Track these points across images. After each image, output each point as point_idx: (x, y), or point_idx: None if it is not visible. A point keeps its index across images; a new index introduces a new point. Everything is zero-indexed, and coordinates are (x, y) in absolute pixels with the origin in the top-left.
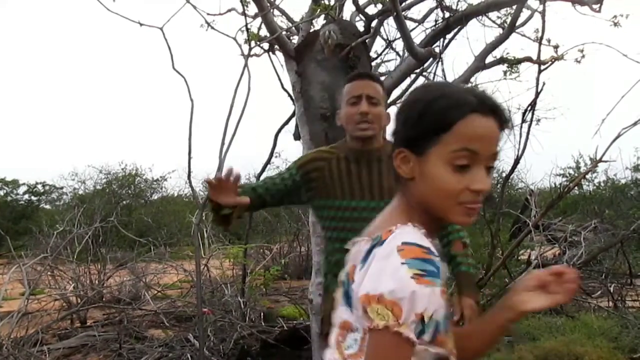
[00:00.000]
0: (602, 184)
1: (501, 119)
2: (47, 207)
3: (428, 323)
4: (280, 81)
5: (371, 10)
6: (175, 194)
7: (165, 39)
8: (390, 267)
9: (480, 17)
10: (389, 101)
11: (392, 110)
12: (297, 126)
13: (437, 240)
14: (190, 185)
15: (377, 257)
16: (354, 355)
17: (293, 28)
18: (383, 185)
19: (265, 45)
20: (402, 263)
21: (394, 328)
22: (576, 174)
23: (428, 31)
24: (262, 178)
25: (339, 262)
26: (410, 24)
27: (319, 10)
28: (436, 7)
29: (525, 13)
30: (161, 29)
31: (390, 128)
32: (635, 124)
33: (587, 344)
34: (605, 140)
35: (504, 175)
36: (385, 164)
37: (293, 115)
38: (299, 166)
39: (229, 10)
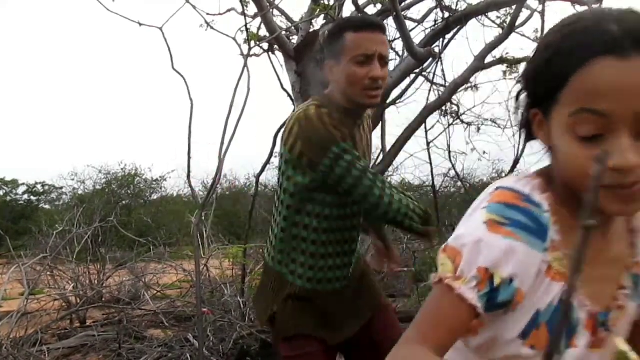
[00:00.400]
0: None
1: None
2: (47, 207)
3: (501, 287)
4: (280, 81)
5: (371, 10)
6: (175, 194)
7: (165, 39)
8: (473, 215)
9: (479, 17)
10: (388, 101)
11: (391, 110)
12: None
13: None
14: (190, 186)
15: (470, 209)
16: None
17: (293, 28)
18: (369, 144)
19: (265, 45)
20: (483, 207)
21: (446, 280)
22: None
23: (428, 31)
24: (260, 177)
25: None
26: (409, 24)
27: (318, 10)
28: (436, 7)
29: (524, 13)
30: (161, 29)
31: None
32: None
33: None
34: None
35: (503, 175)
36: (367, 120)
37: None
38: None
39: (229, 10)
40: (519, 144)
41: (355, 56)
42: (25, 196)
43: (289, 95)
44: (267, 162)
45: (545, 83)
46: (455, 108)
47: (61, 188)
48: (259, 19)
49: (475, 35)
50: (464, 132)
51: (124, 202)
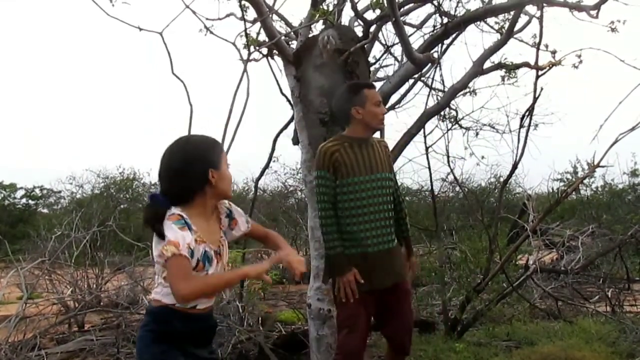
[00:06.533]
0: (599, 189)
1: None
2: (45, 211)
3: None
4: (279, 86)
5: (370, 15)
6: None
7: (165, 44)
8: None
9: (478, 22)
10: (387, 106)
11: (390, 115)
12: (295, 131)
13: None
14: None
15: None
16: None
17: (292, 33)
18: (377, 162)
19: (264, 50)
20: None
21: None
22: (574, 179)
23: (426, 36)
24: (259, 182)
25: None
26: (408, 30)
27: (317, 15)
28: (434, 13)
29: (523, 19)
30: (160, 33)
31: None
32: (632, 129)
33: (585, 349)
34: (603, 145)
35: (502, 180)
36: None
37: (292, 120)
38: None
39: (228, 15)
40: (517, 149)
41: (375, 102)
42: (24, 200)
43: (288, 100)
44: (266, 166)
45: None
46: (453, 113)
47: (59, 192)
48: (258, 24)
49: (474, 41)
50: (462, 137)
51: (122, 206)
